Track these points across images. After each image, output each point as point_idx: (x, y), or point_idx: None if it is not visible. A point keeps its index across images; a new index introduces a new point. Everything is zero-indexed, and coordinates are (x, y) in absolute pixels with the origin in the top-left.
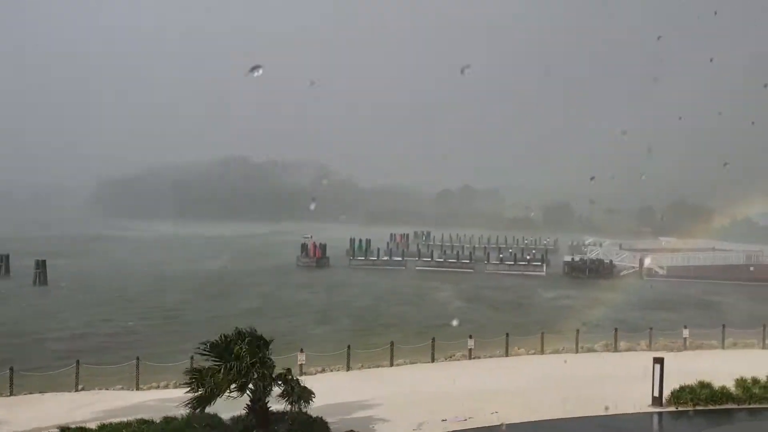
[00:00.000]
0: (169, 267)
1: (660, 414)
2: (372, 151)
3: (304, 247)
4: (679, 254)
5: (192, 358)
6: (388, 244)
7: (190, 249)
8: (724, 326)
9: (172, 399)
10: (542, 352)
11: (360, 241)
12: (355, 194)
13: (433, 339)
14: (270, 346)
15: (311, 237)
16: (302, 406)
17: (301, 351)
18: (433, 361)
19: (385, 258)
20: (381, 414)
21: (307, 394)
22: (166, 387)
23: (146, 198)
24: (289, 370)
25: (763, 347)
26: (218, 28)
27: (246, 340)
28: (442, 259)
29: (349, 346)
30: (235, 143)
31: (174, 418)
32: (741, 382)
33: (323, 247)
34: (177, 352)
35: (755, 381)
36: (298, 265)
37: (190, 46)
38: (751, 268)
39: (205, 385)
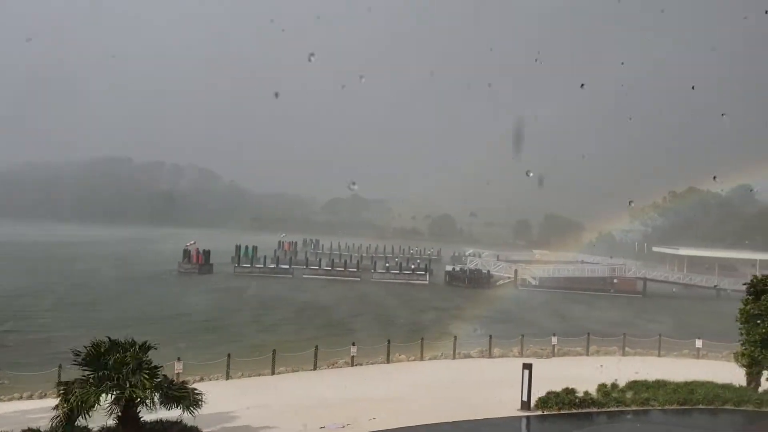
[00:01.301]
0: (37, 272)
1: (528, 418)
2: (260, 156)
3: (186, 252)
4: (550, 266)
5: (60, 367)
6: (275, 251)
7: (61, 252)
8: (588, 334)
9: (34, 410)
10: (422, 358)
11: (246, 247)
12: (242, 199)
13: (316, 347)
14: (148, 353)
15: (194, 243)
16: (192, 411)
17: (178, 360)
18: (315, 368)
19: (272, 266)
20: (259, 423)
21: (195, 398)
22: (30, 398)
23: (15, 197)
24: (165, 377)
25: (624, 354)
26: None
27: (121, 348)
28: (329, 268)
29: (229, 355)
30: (116, 144)
31: (36, 430)
32: (602, 387)
33: (207, 253)
34: (44, 362)
35: (614, 386)
36: (180, 271)
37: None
38: (615, 281)
39: (71, 398)
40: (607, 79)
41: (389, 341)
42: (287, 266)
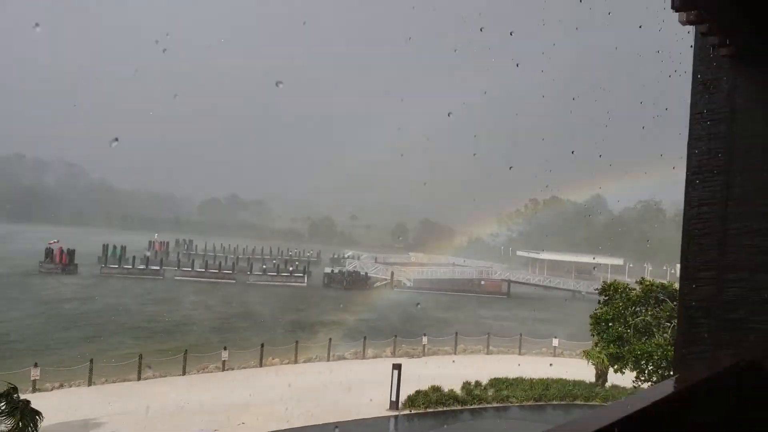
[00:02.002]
0: None
1: (396, 417)
2: (133, 153)
3: (48, 252)
4: (424, 268)
5: None
6: (145, 251)
7: None
8: (456, 334)
9: None
10: (296, 361)
11: (114, 247)
12: (112, 197)
13: (186, 351)
14: None
15: (58, 241)
16: (29, 428)
17: (35, 365)
18: (184, 373)
19: (142, 266)
20: (126, 429)
21: (30, 415)
22: None
23: None
24: (15, 388)
25: (488, 353)
26: None
27: None
28: (203, 269)
29: (91, 360)
30: None
31: None
32: (466, 386)
33: (71, 252)
34: None
35: (478, 384)
36: (41, 271)
37: None
38: (483, 282)
39: None
40: (473, 91)
41: (262, 345)
42: (158, 267)
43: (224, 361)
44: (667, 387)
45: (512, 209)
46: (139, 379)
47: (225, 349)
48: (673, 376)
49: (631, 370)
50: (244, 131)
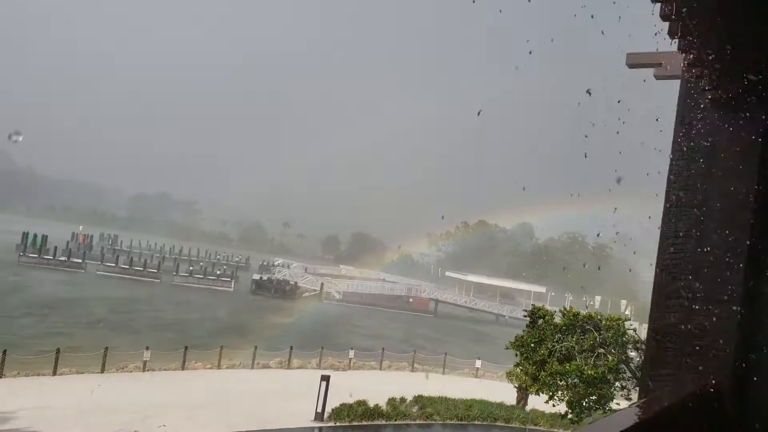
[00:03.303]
0: None
1: (320, 429)
2: (63, 141)
3: None
4: (354, 281)
5: None
6: (68, 243)
7: None
8: (383, 349)
9: None
10: (219, 367)
11: (35, 236)
12: (36, 185)
13: (106, 349)
14: None
15: None
16: None
17: None
18: (103, 371)
19: (63, 258)
20: (38, 426)
21: None
22: None
23: None
24: None
25: (412, 370)
26: None
27: None
28: (127, 266)
29: (5, 351)
30: None
31: None
32: (392, 401)
33: None
34: None
35: (403, 400)
36: None
37: None
38: (411, 300)
39: None
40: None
41: (186, 348)
42: (80, 260)
43: (145, 361)
44: (640, 409)
45: (443, 230)
46: (54, 374)
47: (147, 348)
48: (640, 399)
49: (547, 391)
50: (183, 130)
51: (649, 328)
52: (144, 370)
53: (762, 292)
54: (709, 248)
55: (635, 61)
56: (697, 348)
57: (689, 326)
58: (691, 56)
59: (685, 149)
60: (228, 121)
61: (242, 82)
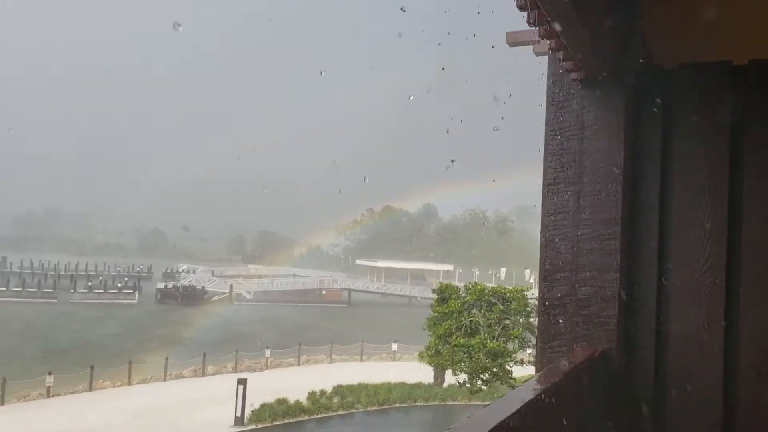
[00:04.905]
0: None
1: None
2: None
3: None
4: (264, 280)
5: None
6: None
7: None
8: (300, 345)
9: None
10: (130, 383)
11: None
12: None
13: (4, 379)
14: None
15: None
16: None
17: None
18: (2, 403)
19: None
20: None
21: None
22: None
23: None
24: None
25: (331, 362)
26: None
27: None
28: (20, 288)
29: None
30: None
31: None
32: (312, 395)
33: None
34: None
35: (323, 392)
36: None
37: None
38: (323, 292)
39: None
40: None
41: (92, 367)
42: None
43: (49, 386)
44: (541, 380)
45: (350, 219)
46: None
47: (50, 374)
48: (537, 371)
49: (450, 364)
50: (64, 141)
51: (539, 302)
52: (48, 396)
53: (637, 258)
54: (586, 223)
55: (515, 40)
56: (585, 317)
57: (575, 297)
58: (552, 42)
59: (556, 128)
60: (118, 123)
61: (129, 83)
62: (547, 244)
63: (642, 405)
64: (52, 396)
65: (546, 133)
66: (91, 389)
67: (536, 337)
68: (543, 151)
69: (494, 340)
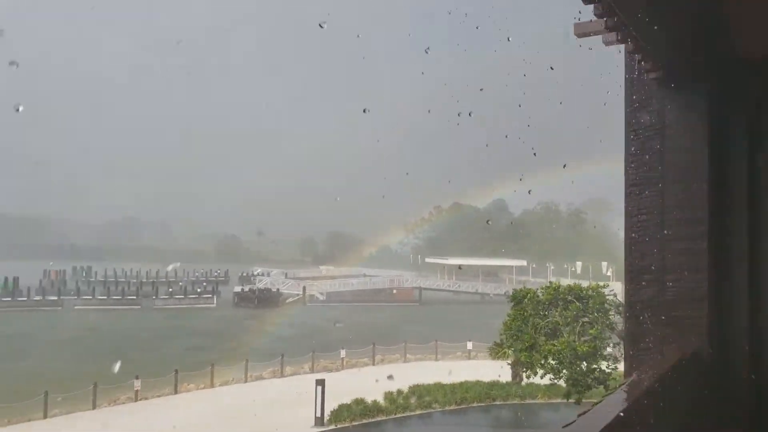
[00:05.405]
0: None
1: None
2: (18, 175)
3: None
4: (336, 281)
5: None
6: (41, 281)
7: None
8: (374, 344)
9: None
10: (212, 385)
11: (6, 279)
12: None
13: (95, 384)
14: None
15: None
16: None
17: None
18: (95, 408)
19: (38, 297)
20: None
21: None
22: None
23: None
24: None
25: (405, 361)
26: None
27: None
28: (105, 297)
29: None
30: None
31: None
32: (389, 395)
33: None
34: None
35: (399, 392)
36: None
37: None
38: (394, 291)
39: None
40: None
41: (176, 371)
42: (55, 297)
43: (137, 390)
44: (636, 383)
45: (417, 217)
46: (45, 417)
47: (137, 378)
48: (626, 372)
49: (540, 370)
50: (140, 149)
51: (626, 304)
52: (136, 400)
53: (724, 259)
54: (672, 223)
55: (583, 31)
56: (674, 319)
57: (663, 298)
58: (629, 43)
59: (636, 129)
60: (188, 135)
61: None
62: (632, 245)
63: (737, 403)
64: (140, 399)
65: (626, 133)
66: (176, 392)
67: (624, 339)
68: (624, 152)
69: (580, 340)
